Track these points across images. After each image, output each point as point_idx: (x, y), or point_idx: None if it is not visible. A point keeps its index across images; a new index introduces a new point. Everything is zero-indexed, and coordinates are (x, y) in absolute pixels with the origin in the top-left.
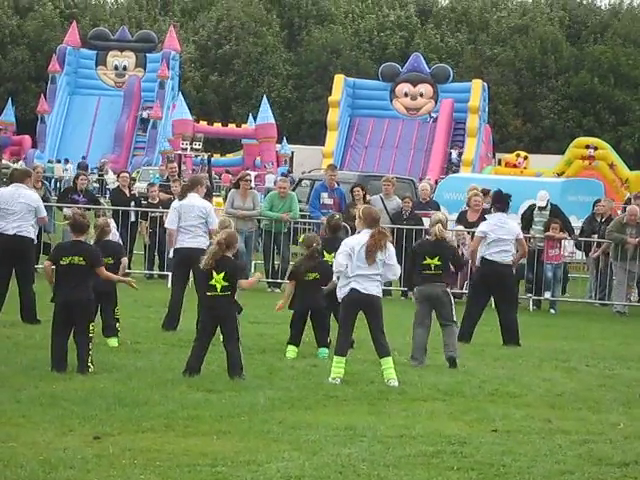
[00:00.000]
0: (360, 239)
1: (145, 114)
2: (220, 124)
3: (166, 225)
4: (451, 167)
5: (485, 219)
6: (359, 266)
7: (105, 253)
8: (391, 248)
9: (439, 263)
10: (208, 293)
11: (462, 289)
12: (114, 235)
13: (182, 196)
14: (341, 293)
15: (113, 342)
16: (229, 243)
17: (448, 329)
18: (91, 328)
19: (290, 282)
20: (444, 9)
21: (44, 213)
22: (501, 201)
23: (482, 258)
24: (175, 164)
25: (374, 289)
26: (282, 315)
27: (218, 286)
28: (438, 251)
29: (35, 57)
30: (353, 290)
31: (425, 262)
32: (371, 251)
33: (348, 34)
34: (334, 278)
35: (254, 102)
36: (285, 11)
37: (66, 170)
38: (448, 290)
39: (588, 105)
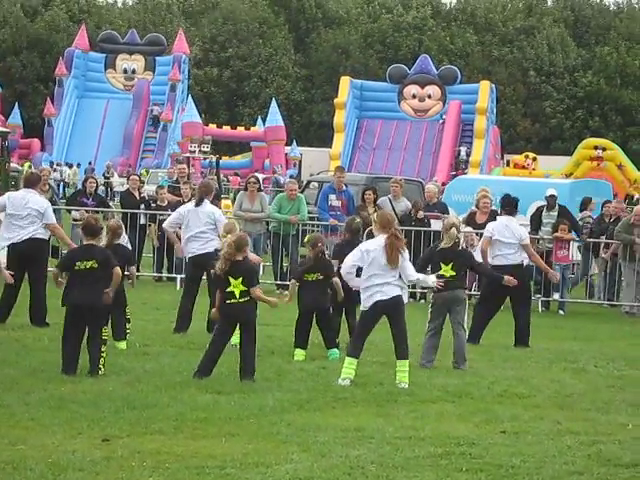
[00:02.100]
0: (376, 243)
1: (156, 110)
2: (229, 127)
3: (164, 225)
4: (460, 164)
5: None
6: (376, 274)
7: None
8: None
9: (453, 273)
10: (227, 301)
11: (471, 290)
12: (123, 238)
13: (199, 203)
14: (365, 304)
15: (122, 345)
16: (239, 246)
17: (458, 337)
18: (104, 332)
19: (293, 281)
20: (455, 10)
21: (52, 220)
22: (509, 205)
23: (494, 266)
24: (184, 165)
25: (396, 291)
26: (290, 317)
27: (237, 292)
28: (453, 258)
29: (44, 60)
30: (378, 302)
31: (441, 271)
32: (392, 255)
33: (358, 35)
34: (337, 277)
35: (262, 102)
36: (291, 14)
37: (55, 172)
38: (465, 293)
39: (595, 106)
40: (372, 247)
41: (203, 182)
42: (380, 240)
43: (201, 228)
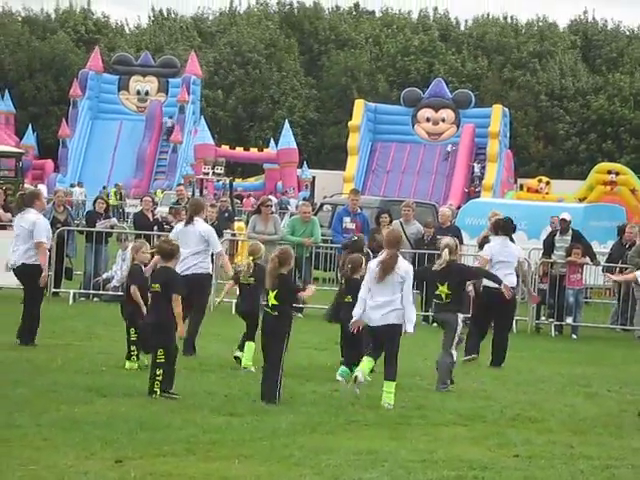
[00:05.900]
0: (378, 259)
1: (170, 123)
2: (242, 149)
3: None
4: (474, 181)
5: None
6: (371, 289)
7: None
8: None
9: (449, 292)
10: (265, 308)
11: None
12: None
13: (188, 222)
14: (359, 317)
15: (127, 364)
16: (283, 260)
17: (441, 358)
18: (159, 353)
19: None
20: (463, 34)
21: (40, 238)
22: (505, 228)
23: (484, 286)
24: (182, 187)
25: (391, 319)
26: (302, 340)
27: (270, 304)
28: (447, 277)
29: (58, 81)
30: (370, 327)
31: (437, 291)
32: (382, 272)
33: (369, 58)
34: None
35: (273, 125)
36: (304, 37)
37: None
38: (458, 319)
39: (609, 129)
40: (374, 263)
41: (192, 200)
42: (382, 256)
43: (193, 248)
